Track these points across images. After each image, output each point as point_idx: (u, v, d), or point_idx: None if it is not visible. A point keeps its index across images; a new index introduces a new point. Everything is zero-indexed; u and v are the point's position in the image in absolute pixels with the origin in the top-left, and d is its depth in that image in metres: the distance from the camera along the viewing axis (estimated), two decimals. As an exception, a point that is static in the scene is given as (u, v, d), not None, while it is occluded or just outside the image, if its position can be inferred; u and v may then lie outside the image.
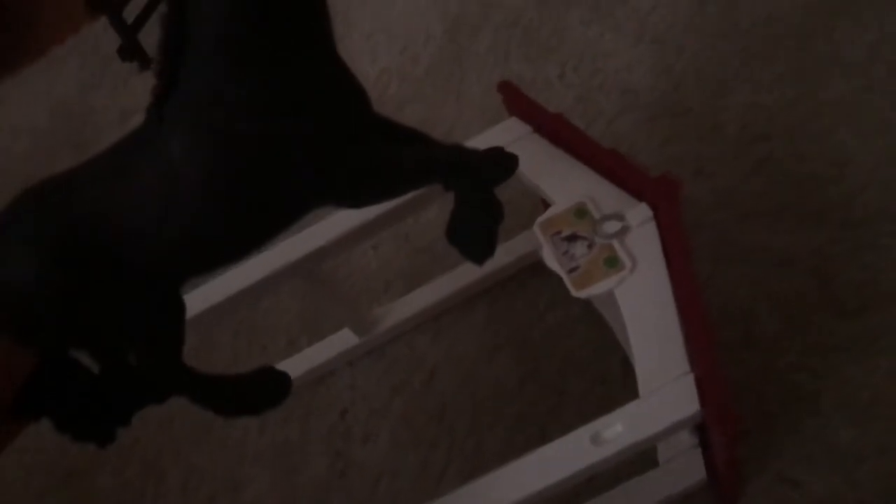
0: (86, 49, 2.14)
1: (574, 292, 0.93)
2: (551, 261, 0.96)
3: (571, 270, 0.95)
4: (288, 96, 0.73)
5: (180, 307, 0.90)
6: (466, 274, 1.34)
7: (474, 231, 0.88)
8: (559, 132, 1.04)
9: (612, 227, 0.95)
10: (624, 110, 1.48)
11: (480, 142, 1.11)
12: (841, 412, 1.12)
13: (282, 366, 1.38)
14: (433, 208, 1.48)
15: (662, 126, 1.43)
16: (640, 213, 0.94)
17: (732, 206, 1.33)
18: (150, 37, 2.05)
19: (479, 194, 0.86)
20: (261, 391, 1.01)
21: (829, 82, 1.40)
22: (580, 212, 0.98)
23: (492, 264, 1.31)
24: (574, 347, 1.26)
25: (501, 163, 0.87)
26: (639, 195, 0.96)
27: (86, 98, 2.02)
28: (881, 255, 1.21)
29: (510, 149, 1.07)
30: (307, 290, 1.41)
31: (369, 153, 0.79)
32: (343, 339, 1.37)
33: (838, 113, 1.36)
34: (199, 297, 1.20)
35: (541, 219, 1.00)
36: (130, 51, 1.93)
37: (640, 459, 1.01)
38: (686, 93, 1.46)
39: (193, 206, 0.77)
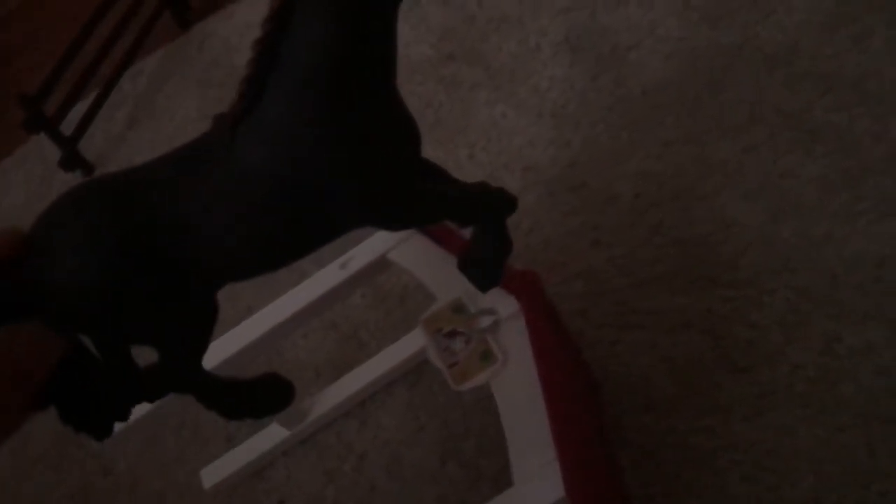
0: (32, 160, 2.23)
1: (454, 387, 1.00)
2: (434, 357, 1.03)
3: (452, 365, 1.01)
4: (359, 132, 0.81)
5: (216, 311, 0.94)
6: (386, 360, 1.41)
7: (485, 264, 0.97)
8: (438, 233, 1.11)
9: (485, 321, 1.02)
10: (527, 186, 1.56)
11: (371, 245, 1.19)
12: (736, 469, 1.17)
13: (220, 461, 1.46)
14: (356, 296, 1.56)
15: (562, 200, 1.51)
16: (509, 306, 1.01)
17: (630, 273, 1.40)
18: (91, 146, 2.15)
19: (495, 228, 0.96)
20: (264, 397, 1.05)
21: (714, 145, 1.48)
22: (458, 307, 1.05)
23: (406, 349, 1.39)
24: (489, 424, 1.32)
25: (508, 200, 0.97)
26: (508, 289, 1.03)
27: (32, 209, 2.09)
28: (766, 313, 1.28)
29: (398, 249, 1.16)
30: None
31: (419, 189, 0.88)
32: (276, 432, 1.43)
33: (723, 175, 1.44)
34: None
35: (424, 316, 1.06)
36: (71, 161, 2.01)
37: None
38: (583, 166, 1.55)
39: (261, 214, 0.82)
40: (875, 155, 1.37)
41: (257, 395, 1.05)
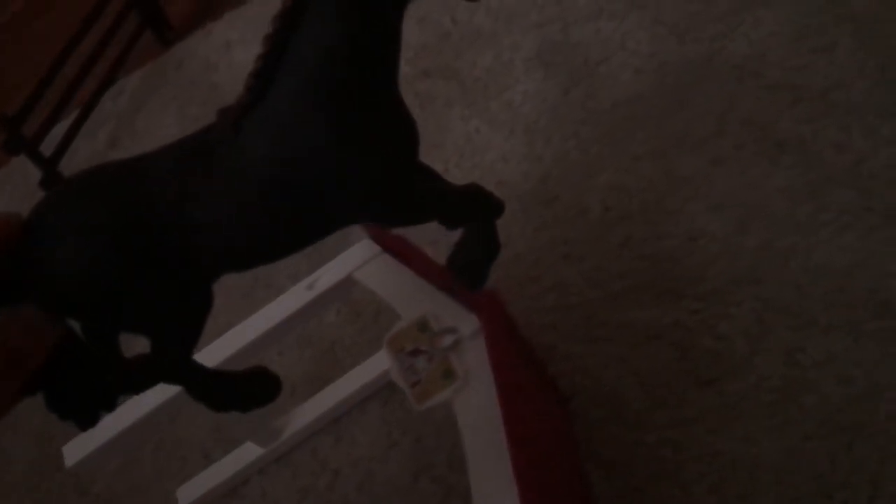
0: (14, 180, 2.25)
1: (416, 405, 1.01)
2: (397, 376, 1.04)
3: (414, 384, 1.02)
4: (361, 132, 0.83)
5: (211, 302, 0.95)
6: (359, 376, 1.42)
7: (474, 264, 0.99)
8: (403, 252, 1.13)
9: (447, 339, 1.03)
10: (500, 201, 1.57)
11: (337, 265, 1.20)
12: (702, 482, 1.18)
13: (196, 480, 1.46)
14: (331, 313, 1.57)
15: (534, 214, 1.52)
16: (470, 325, 1.02)
17: (600, 286, 1.41)
18: (73, 165, 2.16)
19: (486, 229, 0.98)
20: (252, 389, 1.06)
21: (682, 158, 1.50)
22: (422, 326, 1.06)
23: (380, 366, 1.40)
24: (459, 441, 1.32)
25: (497, 202, 0.99)
26: (471, 308, 1.04)
27: (14, 228, 2.11)
28: (732, 324, 1.29)
29: (363, 269, 1.17)
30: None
31: (418, 187, 0.90)
32: (251, 450, 1.43)
33: (691, 188, 1.45)
34: (117, 418, 1.25)
35: (389, 335, 1.07)
36: (52, 182, 2.02)
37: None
38: (554, 180, 1.56)
39: (261, 210, 0.83)
40: (839, 166, 1.39)
41: (245, 388, 1.05)
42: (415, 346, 1.05)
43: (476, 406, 0.96)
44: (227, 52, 2.16)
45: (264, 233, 0.86)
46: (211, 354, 1.24)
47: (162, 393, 1.26)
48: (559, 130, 1.63)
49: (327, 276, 1.18)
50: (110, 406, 0.99)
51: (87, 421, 0.98)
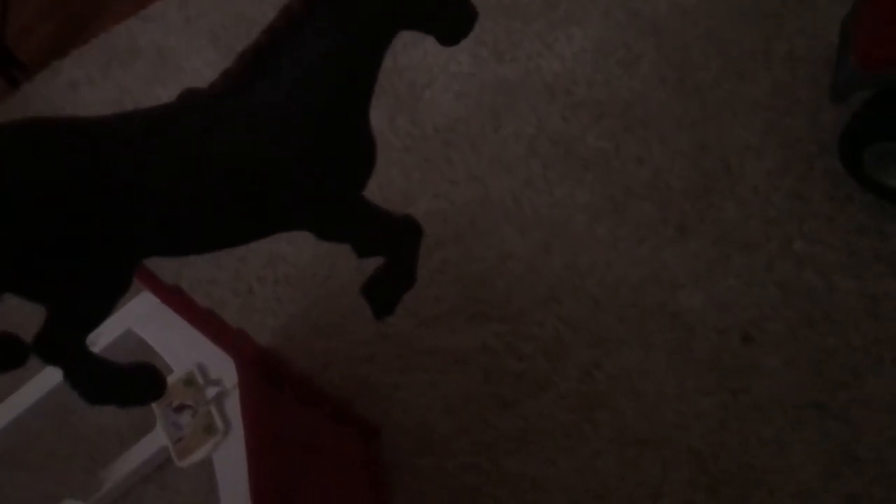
0: None
1: (178, 462, 1.00)
2: (161, 433, 1.03)
3: (178, 441, 1.02)
4: (336, 141, 0.83)
5: (129, 284, 0.90)
6: (180, 422, 1.41)
7: (385, 292, 0.99)
8: (178, 303, 1.12)
9: (211, 392, 1.03)
10: (325, 233, 1.57)
11: (116, 320, 1.19)
12: (503, 504, 1.20)
13: (25, 541, 1.43)
14: (159, 359, 1.56)
15: (355, 245, 1.53)
16: (234, 377, 1.02)
17: (416, 313, 1.42)
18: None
19: (408, 261, 0.98)
20: (136, 385, 0.97)
21: (494, 181, 1.52)
22: (188, 380, 1.05)
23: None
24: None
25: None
26: (234, 358, 1.04)
27: None
28: (534, 344, 1.31)
29: (141, 323, 1.16)
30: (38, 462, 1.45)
31: (369, 206, 0.91)
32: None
33: (502, 210, 1.48)
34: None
35: (158, 391, 1.07)
36: None
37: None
38: (376, 208, 1.57)
39: (219, 192, 0.81)
40: (638, 180, 1.42)
41: (129, 381, 1.01)
42: (181, 402, 1.04)
43: (229, 459, 0.96)
44: (74, 93, 2.12)
45: (213, 218, 0.84)
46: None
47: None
48: (385, 158, 1.62)
49: (107, 332, 1.16)
50: None
51: None
